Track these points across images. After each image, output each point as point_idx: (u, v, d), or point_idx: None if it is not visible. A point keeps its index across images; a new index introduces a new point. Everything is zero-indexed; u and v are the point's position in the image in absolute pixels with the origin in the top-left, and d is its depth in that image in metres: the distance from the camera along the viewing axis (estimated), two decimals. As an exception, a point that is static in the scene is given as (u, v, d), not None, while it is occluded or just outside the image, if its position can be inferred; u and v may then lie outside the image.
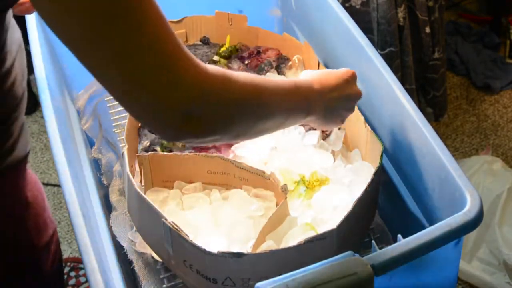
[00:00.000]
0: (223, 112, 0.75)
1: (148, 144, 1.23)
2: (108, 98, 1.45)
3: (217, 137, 0.78)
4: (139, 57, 0.68)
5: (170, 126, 0.72)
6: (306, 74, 0.99)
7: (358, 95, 1.02)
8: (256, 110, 0.81)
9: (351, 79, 1.00)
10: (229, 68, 1.39)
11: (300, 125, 1.23)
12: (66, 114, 1.29)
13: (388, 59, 1.91)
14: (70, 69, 1.44)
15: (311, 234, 1.02)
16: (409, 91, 1.91)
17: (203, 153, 1.16)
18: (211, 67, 0.74)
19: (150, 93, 0.69)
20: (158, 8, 0.72)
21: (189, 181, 1.18)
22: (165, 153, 1.17)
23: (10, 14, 0.87)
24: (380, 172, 1.09)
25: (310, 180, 1.13)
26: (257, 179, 1.12)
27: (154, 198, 1.15)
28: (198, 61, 0.72)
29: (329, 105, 0.96)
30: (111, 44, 0.66)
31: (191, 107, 0.71)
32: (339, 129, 1.22)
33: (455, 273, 1.02)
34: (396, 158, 1.16)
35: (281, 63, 1.39)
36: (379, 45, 1.91)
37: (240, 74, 0.79)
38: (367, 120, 1.17)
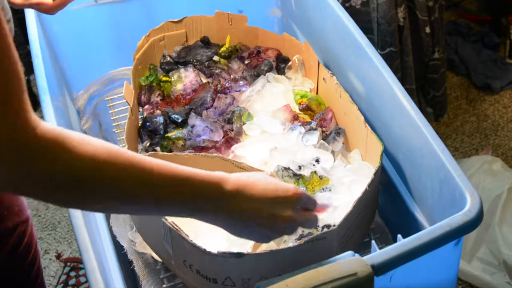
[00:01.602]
0: (43, 177, 0.65)
1: (148, 144, 1.23)
2: (108, 98, 1.45)
3: (36, 198, 0.69)
4: None
5: None
6: (237, 175, 0.84)
7: (287, 221, 0.84)
8: (95, 191, 0.70)
9: (287, 201, 0.84)
10: (229, 68, 1.39)
11: (299, 125, 1.23)
12: (66, 114, 1.29)
13: (388, 59, 1.91)
14: (70, 69, 1.44)
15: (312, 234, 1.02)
16: (409, 91, 1.91)
17: (203, 153, 1.16)
18: (48, 127, 0.66)
19: None
20: (10, 49, 0.63)
21: (189, 181, 1.17)
22: (165, 153, 1.17)
23: None
24: (380, 172, 1.09)
25: (310, 180, 1.13)
26: (257, 179, 1.12)
27: (154, 198, 1.15)
28: (33, 116, 0.65)
29: (240, 216, 0.82)
30: None
31: (7, 157, 0.63)
32: (339, 129, 1.22)
33: (455, 273, 1.02)
34: (396, 158, 1.16)
35: (281, 63, 1.39)
36: (379, 45, 1.91)
37: (90, 146, 0.68)
38: (367, 120, 1.17)
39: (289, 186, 0.85)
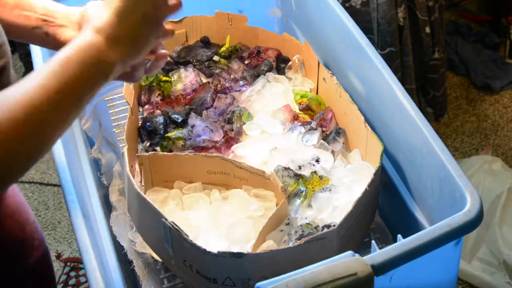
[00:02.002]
0: None
1: (148, 144, 1.23)
2: (108, 98, 1.45)
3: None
4: None
5: None
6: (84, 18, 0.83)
7: (156, 4, 0.83)
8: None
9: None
10: (229, 68, 1.39)
11: (299, 125, 1.23)
12: (66, 114, 1.28)
13: (388, 59, 1.91)
14: (70, 69, 1.44)
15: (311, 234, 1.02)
16: (409, 91, 1.91)
17: (203, 153, 1.16)
18: None
19: None
20: None
21: (189, 181, 1.18)
22: (165, 153, 1.17)
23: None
24: (380, 172, 1.09)
25: (310, 180, 1.13)
26: (257, 179, 1.12)
27: (154, 198, 1.15)
28: None
29: (124, 38, 0.81)
30: None
31: None
32: (339, 129, 1.22)
33: (455, 273, 1.02)
34: (396, 158, 1.16)
35: (281, 63, 1.39)
36: (379, 45, 1.91)
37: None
38: (367, 120, 1.17)
39: None
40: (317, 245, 0.95)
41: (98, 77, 0.80)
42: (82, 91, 0.77)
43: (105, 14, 0.81)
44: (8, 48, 0.89)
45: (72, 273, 2.01)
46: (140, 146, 1.23)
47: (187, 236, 0.95)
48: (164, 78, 1.34)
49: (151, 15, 0.83)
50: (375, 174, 1.04)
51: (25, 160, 0.73)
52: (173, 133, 1.24)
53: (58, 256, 2.04)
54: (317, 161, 1.16)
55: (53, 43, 0.96)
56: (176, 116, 1.26)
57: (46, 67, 0.76)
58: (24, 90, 0.73)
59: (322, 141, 1.21)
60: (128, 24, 0.81)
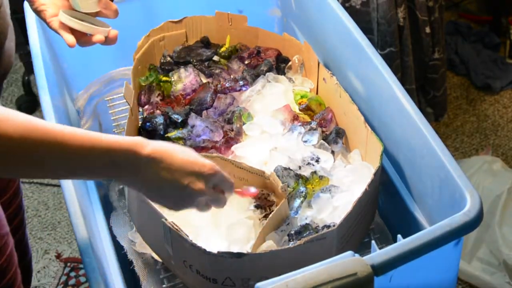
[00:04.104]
0: None
1: (148, 144, 1.23)
2: (108, 98, 1.45)
3: None
4: None
5: None
6: (159, 143, 0.88)
7: (197, 193, 0.89)
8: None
9: (202, 175, 0.88)
10: (229, 68, 1.39)
11: (299, 126, 1.23)
12: (66, 114, 1.29)
13: (388, 59, 1.91)
14: (70, 69, 1.44)
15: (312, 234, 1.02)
16: (409, 91, 1.91)
17: (203, 153, 1.16)
18: None
19: None
20: None
21: (189, 181, 1.18)
22: (165, 153, 1.17)
23: None
24: (380, 172, 1.09)
25: (310, 180, 1.13)
26: (257, 179, 1.12)
27: (154, 198, 1.15)
28: None
29: (156, 182, 0.86)
30: None
31: None
32: (339, 129, 1.22)
33: (455, 273, 1.02)
34: (396, 158, 1.16)
35: (281, 63, 1.39)
36: (379, 45, 1.91)
37: (5, 121, 0.75)
38: (367, 120, 1.17)
39: (206, 162, 0.89)
40: (317, 245, 0.95)
41: (107, 176, 0.85)
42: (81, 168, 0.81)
43: (174, 160, 0.86)
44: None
45: (72, 273, 2.01)
46: (140, 146, 1.23)
47: (187, 236, 0.95)
48: (164, 78, 1.34)
49: (184, 200, 0.91)
50: (375, 174, 1.04)
51: None
52: (173, 133, 1.24)
53: (58, 256, 2.04)
54: (317, 161, 1.16)
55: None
56: (176, 116, 1.26)
57: (71, 129, 0.80)
58: (48, 133, 0.78)
59: (322, 141, 1.21)
60: (172, 182, 0.87)
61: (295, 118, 1.26)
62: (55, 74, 1.31)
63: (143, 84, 1.34)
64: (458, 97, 2.48)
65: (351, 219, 0.99)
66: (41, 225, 2.13)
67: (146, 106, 1.32)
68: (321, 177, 1.14)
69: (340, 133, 1.22)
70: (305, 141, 1.20)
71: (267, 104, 1.29)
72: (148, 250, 1.12)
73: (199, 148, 1.21)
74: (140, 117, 1.31)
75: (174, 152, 0.86)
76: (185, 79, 1.34)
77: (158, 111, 1.30)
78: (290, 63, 1.39)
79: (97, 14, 1.15)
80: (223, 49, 1.42)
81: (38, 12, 1.12)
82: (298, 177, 1.13)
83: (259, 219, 1.09)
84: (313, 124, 1.23)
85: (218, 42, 1.44)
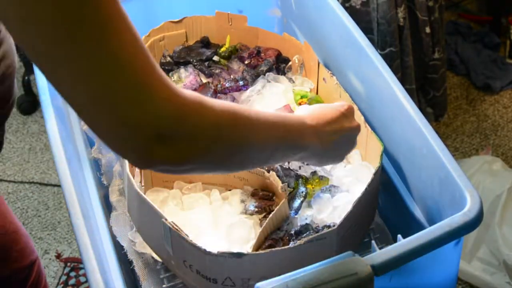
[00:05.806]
0: (197, 138, 0.69)
1: (148, 144, 1.23)
2: (108, 98, 1.45)
3: (193, 166, 0.72)
4: (105, 75, 0.62)
5: (141, 150, 0.66)
6: (301, 109, 0.94)
7: (356, 129, 0.96)
8: (234, 138, 0.74)
9: (348, 112, 0.94)
10: (229, 68, 1.39)
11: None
12: (66, 114, 1.29)
13: (388, 59, 1.91)
14: (70, 69, 1.44)
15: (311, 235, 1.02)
16: (409, 91, 1.91)
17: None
18: (186, 91, 0.68)
19: (118, 114, 0.63)
20: (129, 23, 0.68)
21: (189, 181, 1.18)
22: (165, 153, 1.17)
23: None
24: (380, 172, 1.09)
25: (310, 180, 1.13)
26: (257, 179, 1.12)
27: (154, 198, 1.15)
28: (172, 83, 0.67)
29: (326, 140, 0.89)
30: (74, 60, 0.61)
31: (163, 130, 0.65)
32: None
33: (455, 273, 1.02)
34: (396, 158, 1.16)
35: (281, 63, 1.39)
36: (379, 45, 1.91)
37: (217, 101, 0.73)
38: (367, 120, 1.17)
39: (339, 102, 0.96)
40: (317, 245, 0.95)
41: (295, 148, 0.86)
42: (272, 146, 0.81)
43: (327, 116, 0.91)
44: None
45: (72, 273, 2.01)
46: (140, 146, 1.23)
47: (187, 236, 0.95)
48: (164, 78, 1.34)
49: (353, 141, 0.97)
50: (375, 174, 1.04)
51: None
52: (173, 133, 1.23)
53: (58, 256, 2.04)
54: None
55: None
56: (176, 116, 1.26)
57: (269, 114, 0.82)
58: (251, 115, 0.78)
59: (322, 141, 1.21)
60: (338, 130, 0.92)
61: (295, 118, 1.26)
62: (55, 74, 1.30)
63: (143, 84, 1.34)
64: (458, 97, 2.48)
65: (351, 219, 0.99)
66: (41, 225, 2.13)
67: (146, 106, 1.32)
68: (321, 177, 1.14)
69: (340, 133, 1.22)
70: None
71: (267, 104, 1.29)
72: (148, 250, 1.12)
73: (199, 148, 1.21)
74: (140, 117, 1.31)
75: (318, 110, 0.91)
76: (185, 79, 1.34)
77: (158, 111, 1.30)
78: (290, 63, 1.39)
79: None
80: (223, 49, 1.42)
81: None
82: (298, 177, 1.13)
83: (259, 219, 1.10)
84: (313, 124, 1.23)
85: (218, 42, 1.44)
